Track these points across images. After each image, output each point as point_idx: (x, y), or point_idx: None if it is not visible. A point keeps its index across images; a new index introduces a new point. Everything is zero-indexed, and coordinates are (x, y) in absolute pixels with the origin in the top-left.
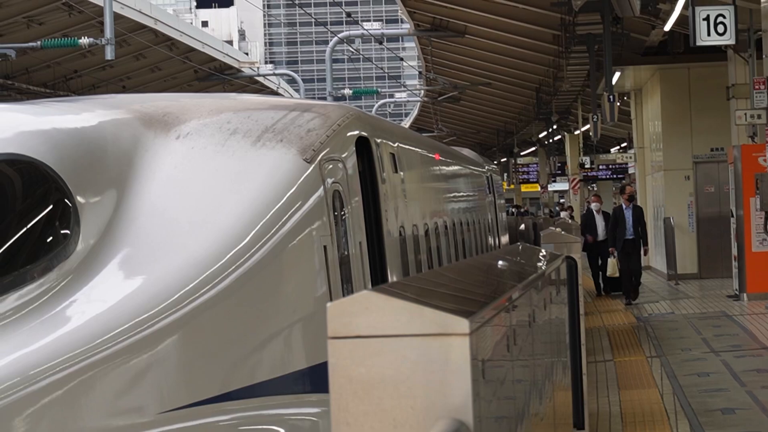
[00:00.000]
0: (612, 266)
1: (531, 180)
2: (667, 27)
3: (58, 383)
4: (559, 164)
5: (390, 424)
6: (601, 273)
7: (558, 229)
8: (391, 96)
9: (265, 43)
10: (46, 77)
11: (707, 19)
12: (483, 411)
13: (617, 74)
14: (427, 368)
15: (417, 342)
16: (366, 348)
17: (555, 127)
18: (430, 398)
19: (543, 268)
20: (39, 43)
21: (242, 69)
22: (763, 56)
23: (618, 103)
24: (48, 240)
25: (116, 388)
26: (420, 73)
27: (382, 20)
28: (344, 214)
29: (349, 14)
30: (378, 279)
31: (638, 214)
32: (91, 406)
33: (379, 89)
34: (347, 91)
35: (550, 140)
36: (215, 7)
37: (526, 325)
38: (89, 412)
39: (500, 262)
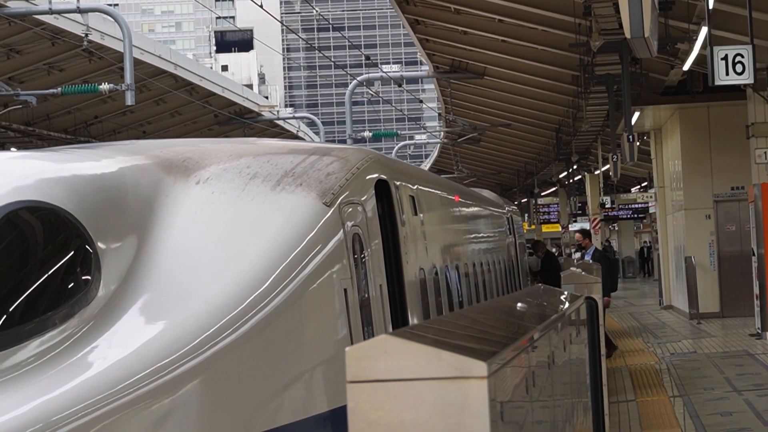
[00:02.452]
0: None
1: (552, 220)
2: (686, 67)
3: (79, 429)
4: (580, 204)
5: None
6: None
7: (578, 270)
8: (411, 138)
9: (285, 86)
10: (66, 123)
11: (725, 58)
12: None
13: (637, 114)
14: (446, 411)
15: (435, 385)
16: (385, 392)
17: (575, 167)
18: None
19: (562, 309)
20: (59, 89)
21: (262, 112)
22: None
23: (638, 143)
24: (69, 286)
25: None
26: (439, 114)
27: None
28: (364, 257)
29: (368, 57)
30: (398, 321)
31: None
32: None
33: (399, 131)
34: (367, 134)
35: (571, 180)
36: (235, 52)
37: (546, 367)
38: None
39: (519, 304)
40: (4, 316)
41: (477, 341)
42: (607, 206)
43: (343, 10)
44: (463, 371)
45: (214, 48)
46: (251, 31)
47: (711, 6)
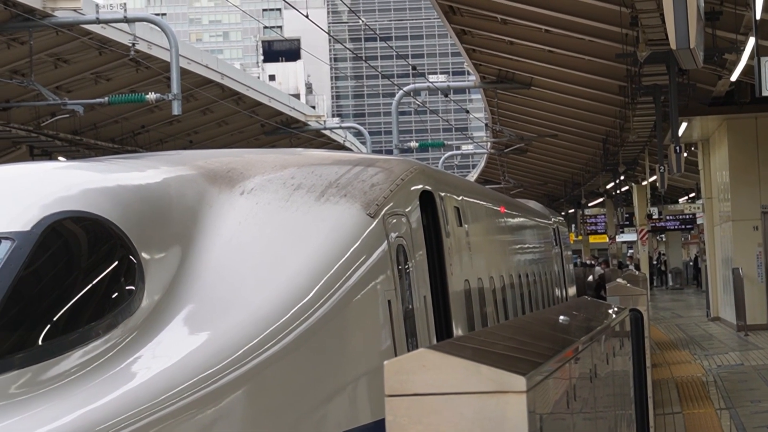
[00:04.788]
0: None
1: (599, 231)
2: (734, 77)
3: None
4: (627, 215)
5: None
6: None
7: (624, 282)
8: (458, 148)
9: (332, 96)
10: (113, 133)
11: None
12: None
13: (684, 125)
14: (485, 426)
15: (474, 400)
16: (423, 406)
17: (622, 177)
18: None
19: (605, 321)
20: (107, 98)
21: (309, 122)
22: None
23: (685, 154)
24: (113, 296)
25: None
26: (486, 124)
27: (448, 72)
28: (408, 269)
29: (414, 67)
30: (443, 333)
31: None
32: None
33: (446, 141)
34: (414, 144)
35: (618, 191)
36: (282, 61)
37: (588, 379)
38: None
39: (561, 316)
40: (48, 326)
41: (517, 355)
42: (654, 217)
43: (390, 20)
44: (502, 385)
45: (262, 57)
46: (298, 40)
47: (758, 16)
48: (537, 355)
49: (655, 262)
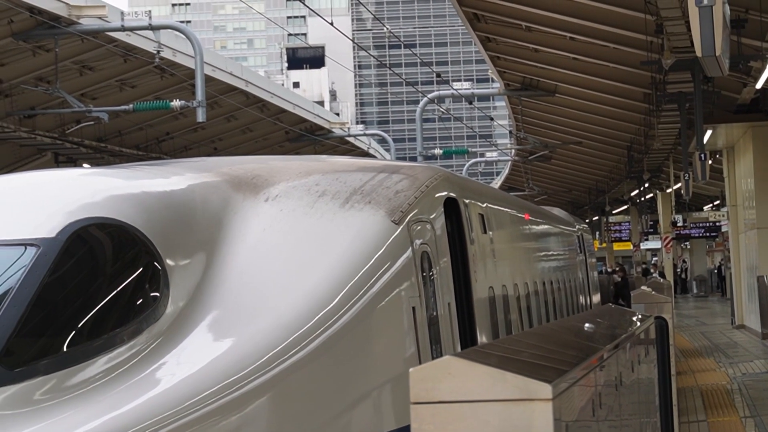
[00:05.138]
0: None
1: (623, 238)
2: (759, 84)
3: None
4: (652, 222)
5: None
6: None
7: (649, 289)
8: (482, 155)
9: (356, 103)
10: (138, 139)
11: None
12: None
13: (709, 132)
14: None
15: (500, 407)
16: (449, 413)
17: (647, 185)
18: None
19: (631, 329)
20: (131, 106)
21: (333, 129)
22: None
23: (710, 161)
24: (138, 303)
25: None
26: (510, 132)
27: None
28: (433, 275)
29: (439, 74)
30: (467, 340)
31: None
32: None
33: (470, 148)
34: (438, 151)
35: (642, 198)
36: (306, 68)
37: (613, 387)
38: None
39: (586, 324)
40: (73, 333)
41: (543, 362)
42: (678, 225)
43: (414, 28)
44: (528, 393)
45: (286, 65)
46: (323, 48)
47: None
48: (562, 362)
49: (678, 270)
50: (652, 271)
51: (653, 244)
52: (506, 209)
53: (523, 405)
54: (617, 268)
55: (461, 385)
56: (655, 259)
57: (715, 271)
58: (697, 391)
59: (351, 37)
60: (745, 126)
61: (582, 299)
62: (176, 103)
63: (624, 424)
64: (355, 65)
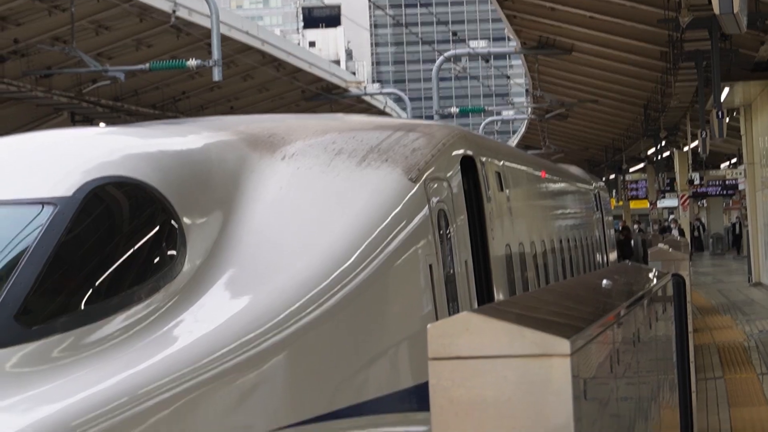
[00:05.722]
0: None
1: (640, 196)
2: None
3: (165, 403)
4: (668, 180)
5: None
6: None
7: (666, 247)
8: (498, 114)
9: (372, 62)
10: (154, 99)
11: None
12: (585, 430)
13: (726, 90)
14: (528, 389)
15: (517, 363)
16: (466, 369)
17: (663, 143)
18: (531, 419)
19: (648, 286)
20: (147, 65)
21: (349, 88)
22: None
23: (727, 119)
24: (154, 261)
25: (223, 407)
26: (527, 90)
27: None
28: (449, 233)
29: (455, 33)
30: (484, 297)
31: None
32: (199, 425)
33: (486, 107)
34: (454, 110)
35: (659, 157)
36: (322, 28)
37: (631, 344)
38: (197, 431)
39: (604, 281)
40: (90, 291)
41: (561, 319)
42: (695, 183)
43: None
44: (546, 349)
45: (302, 24)
46: (339, 7)
47: None
48: (580, 319)
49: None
50: (672, 227)
51: (670, 202)
52: (523, 167)
53: (541, 361)
54: (621, 228)
55: (479, 341)
56: (671, 216)
57: (731, 228)
58: (714, 348)
59: None
60: (762, 84)
61: (599, 257)
62: (192, 62)
63: (641, 380)
64: (371, 24)
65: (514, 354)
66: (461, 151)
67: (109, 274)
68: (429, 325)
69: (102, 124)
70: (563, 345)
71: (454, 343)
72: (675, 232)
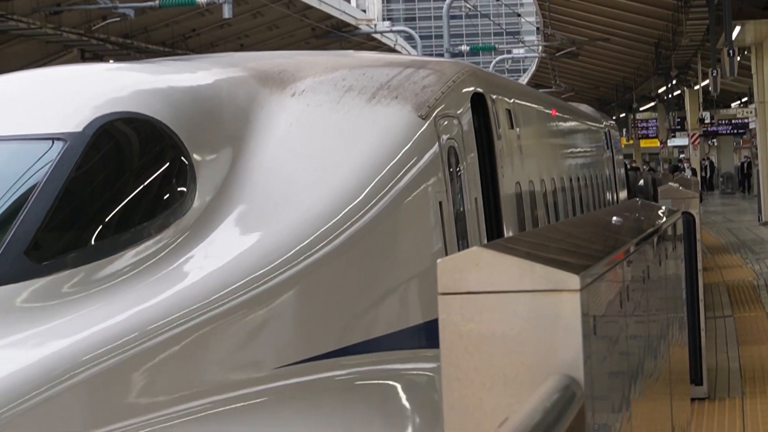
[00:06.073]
0: None
1: (650, 135)
2: None
3: (175, 338)
4: (679, 119)
5: (500, 379)
6: None
7: (676, 185)
8: (509, 52)
9: None
10: (164, 36)
11: None
12: (594, 367)
13: (737, 28)
14: (538, 324)
15: (527, 298)
16: (476, 304)
17: (674, 82)
18: (541, 354)
19: (658, 223)
20: (157, 2)
21: (359, 26)
22: None
23: (738, 58)
24: (164, 197)
25: (233, 343)
26: (538, 28)
27: None
28: (459, 171)
29: None
30: (494, 235)
31: None
32: (208, 360)
33: (497, 45)
34: (464, 48)
35: (670, 95)
36: None
37: (640, 281)
38: (206, 367)
39: (614, 218)
40: (101, 226)
41: (570, 255)
42: (706, 121)
43: None
44: (556, 284)
45: None
46: None
47: None
48: (590, 256)
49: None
50: (685, 166)
51: (680, 141)
52: (533, 105)
53: (550, 296)
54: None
55: (489, 276)
56: (682, 155)
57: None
58: (724, 287)
59: None
60: None
61: (609, 195)
62: None
63: (651, 318)
64: None
65: (524, 289)
66: (471, 89)
67: (119, 210)
68: (439, 260)
69: (111, 62)
70: (573, 280)
71: (464, 277)
72: (687, 172)
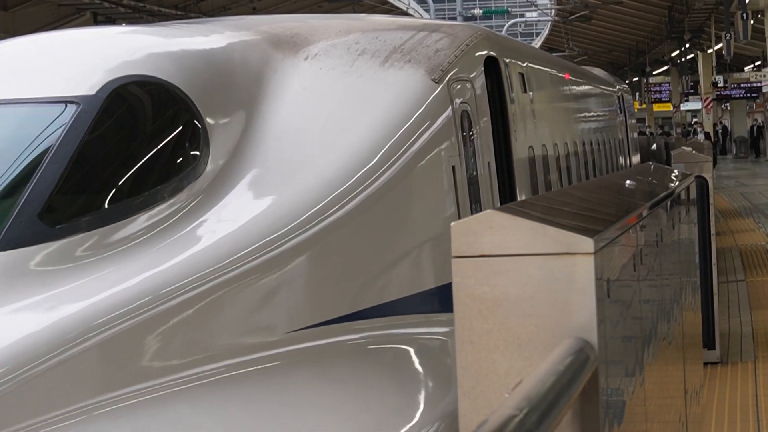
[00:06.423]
0: None
1: (663, 99)
2: None
3: (188, 302)
4: (692, 83)
5: (514, 342)
6: None
7: (689, 149)
8: (522, 15)
9: None
10: None
11: None
12: (608, 330)
13: None
14: (552, 287)
15: (541, 261)
16: (490, 267)
17: (687, 45)
18: (555, 317)
19: (672, 187)
20: None
21: None
22: None
23: (752, 21)
24: (178, 161)
25: (246, 307)
26: None
27: None
28: (472, 135)
29: None
30: (507, 199)
31: None
32: (221, 324)
33: (510, 9)
34: (477, 11)
35: (683, 59)
36: None
37: (654, 245)
38: (219, 331)
39: (627, 181)
40: (114, 190)
41: (584, 218)
42: (719, 85)
43: None
44: (570, 247)
45: None
46: None
47: None
48: (604, 219)
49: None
50: (699, 130)
51: (693, 105)
52: (546, 69)
53: (564, 259)
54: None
55: (502, 239)
56: (695, 120)
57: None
58: (737, 251)
59: None
60: None
61: (622, 160)
62: None
63: (664, 282)
64: None
65: (538, 252)
66: (485, 52)
67: (132, 174)
68: (453, 224)
69: (124, 25)
70: (587, 243)
71: (477, 241)
72: (701, 136)
